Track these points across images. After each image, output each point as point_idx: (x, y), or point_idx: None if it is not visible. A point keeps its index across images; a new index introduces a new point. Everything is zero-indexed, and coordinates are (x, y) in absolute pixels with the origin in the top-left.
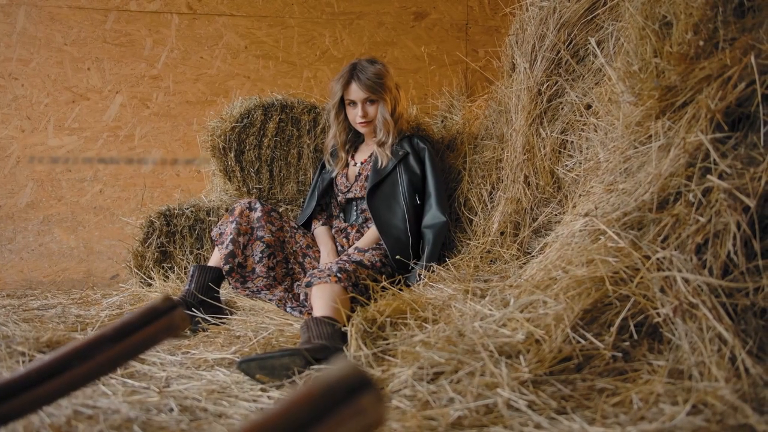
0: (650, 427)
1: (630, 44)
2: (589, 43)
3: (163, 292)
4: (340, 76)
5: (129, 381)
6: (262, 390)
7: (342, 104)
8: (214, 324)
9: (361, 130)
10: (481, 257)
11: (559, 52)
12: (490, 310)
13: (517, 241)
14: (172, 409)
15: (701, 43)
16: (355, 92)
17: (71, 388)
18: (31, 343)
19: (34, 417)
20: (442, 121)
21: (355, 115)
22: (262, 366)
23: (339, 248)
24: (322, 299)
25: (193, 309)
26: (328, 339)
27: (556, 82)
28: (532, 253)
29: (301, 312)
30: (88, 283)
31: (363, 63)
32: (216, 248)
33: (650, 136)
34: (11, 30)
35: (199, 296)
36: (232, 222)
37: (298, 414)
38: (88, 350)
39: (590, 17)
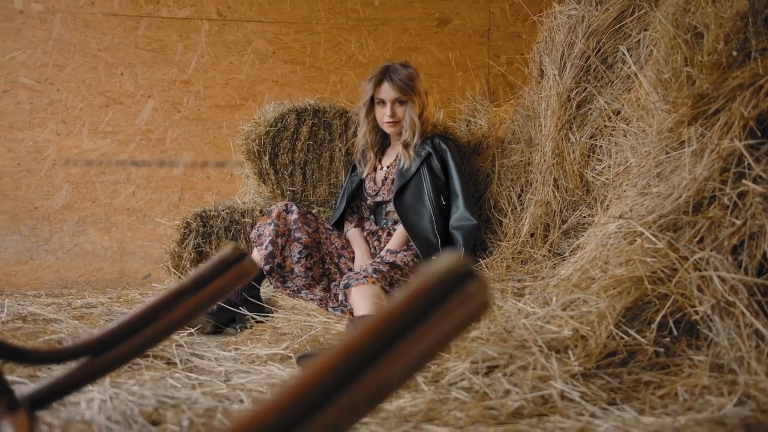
0: (700, 416)
1: (660, 53)
2: (618, 51)
3: (229, 244)
4: (372, 75)
5: (192, 375)
6: None
7: (372, 104)
8: (260, 321)
9: (388, 130)
10: (512, 258)
11: (588, 59)
12: (533, 308)
13: (547, 243)
14: (242, 401)
15: (734, 53)
16: (386, 91)
17: (159, 337)
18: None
19: (125, 405)
20: (467, 125)
21: (383, 114)
22: None
23: (372, 251)
24: (363, 299)
25: (239, 307)
26: None
27: (585, 89)
28: (563, 254)
29: (342, 312)
30: (122, 282)
31: (396, 65)
32: (255, 249)
33: (682, 141)
34: (47, 36)
35: (244, 294)
36: (269, 224)
37: (418, 302)
38: (171, 301)
39: (618, 26)
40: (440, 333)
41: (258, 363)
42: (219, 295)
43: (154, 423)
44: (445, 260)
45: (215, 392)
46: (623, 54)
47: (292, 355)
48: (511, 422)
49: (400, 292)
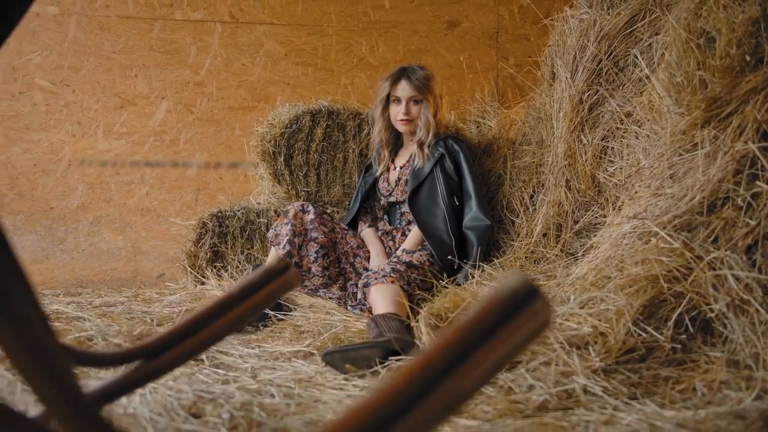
0: (720, 410)
1: (672, 57)
2: (629, 54)
3: (278, 256)
4: (389, 74)
5: (220, 371)
6: (345, 379)
7: (388, 102)
8: (280, 319)
9: (401, 127)
10: (525, 257)
11: (600, 62)
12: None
13: (560, 243)
14: (273, 395)
15: (748, 57)
16: (403, 89)
17: (208, 343)
18: (125, 335)
19: (164, 399)
20: (477, 127)
21: (397, 112)
22: (346, 357)
23: (387, 250)
24: (383, 298)
25: None
26: (398, 332)
27: (597, 92)
28: (576, 254)
29: (361, 310)
30: (136, 282)
31: (414, 66)
32: (272, 249)
33: (695, 144)
34: (63, 39)
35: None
36: (287, 224)
37: (489, 318)
38: (220, 309)
39: (630, 30)
40: (509, 347)
41: (282, 360)
42: (265, 304)
43: (195, 416)
44: (513, 280)
45: (246, 387)
46: (636, 58)
47: (315, 352)
48: (537, 415)
49: (473, 309)
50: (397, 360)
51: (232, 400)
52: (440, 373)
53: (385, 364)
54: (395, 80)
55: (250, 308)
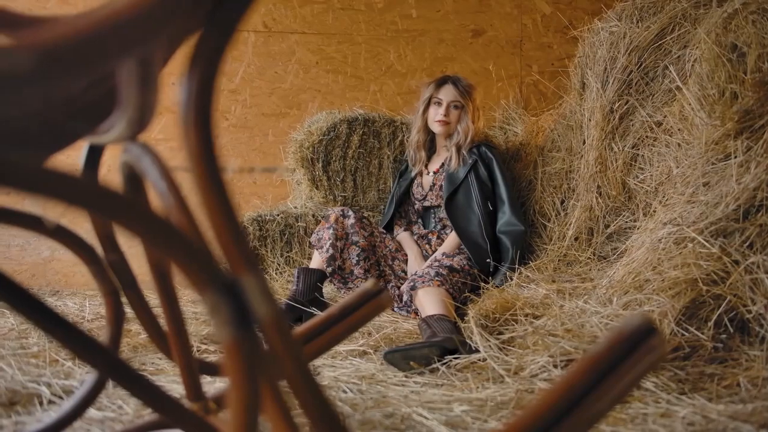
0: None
1: (703, 69)
2: (658, 66)
3: (370, 280)
4: (434, 79)
5: None
6: (405, 376)
7: (429, 104)
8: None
9: (436, 128)
10: (558, 260)
11: (630, 73)
12: (594, 307)
13: (591, 246)
14: (345, 391)
15: None
16: (446, 92)
17: (312, 357)
18: (192, 336)
19: None
20: (504, 133)
21: (436, 113)
22: (407, 356)
23: (423, 253)
24: (431, 301)
25: (312, 306)
26: (451, 332)
27: (627, 102)
28: (608, 258)
29: (408, 312)
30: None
31: (459, 76)
32: (316, 252)
33: (728, 154)
34: None
35: (316, 294)
36: (329, 228)
37: (618, 349)
38: (321, 328)
39: (659, 43)
40: (632, 375)
41: (339, 358)
42: (361, 323)
43: None
44: (634, 319)
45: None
46: (669, 71)
47: (369, 350)
48: None
49: (602, 342)
50: (454, 358)
51: None
52: (578, 396)
53: (444, 361)
54: (440, 83)
55: (349, 326)
